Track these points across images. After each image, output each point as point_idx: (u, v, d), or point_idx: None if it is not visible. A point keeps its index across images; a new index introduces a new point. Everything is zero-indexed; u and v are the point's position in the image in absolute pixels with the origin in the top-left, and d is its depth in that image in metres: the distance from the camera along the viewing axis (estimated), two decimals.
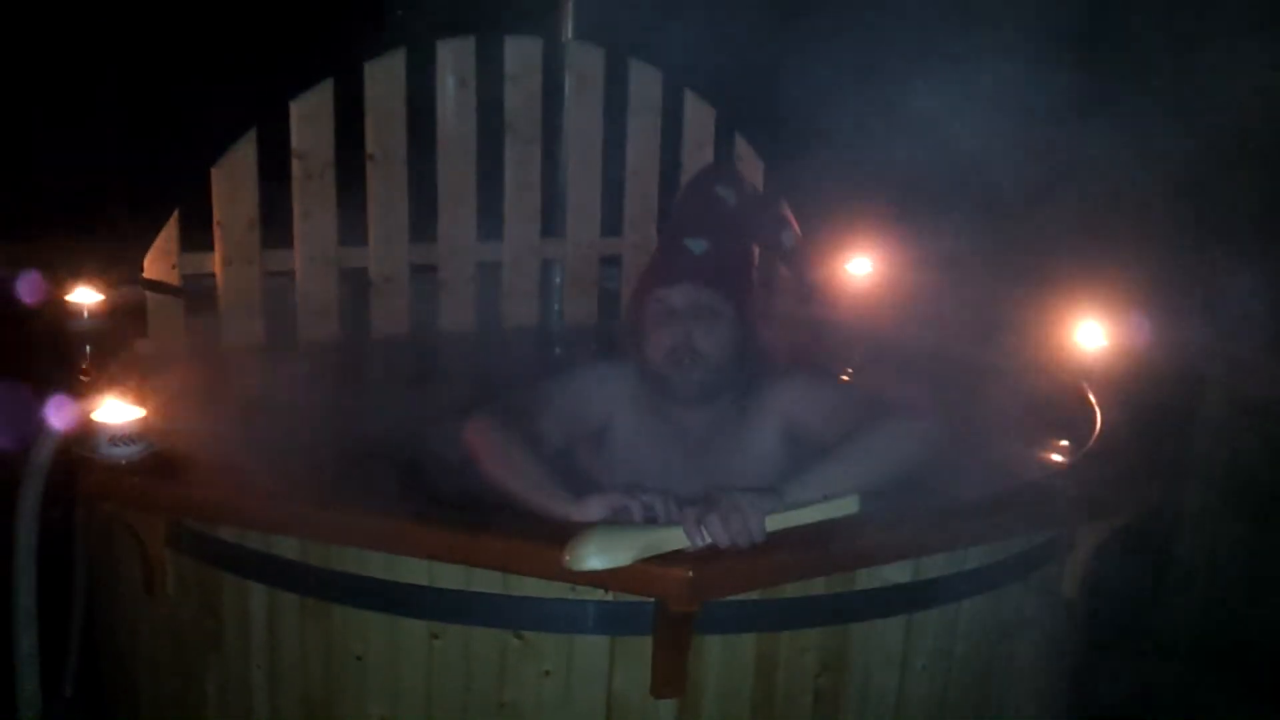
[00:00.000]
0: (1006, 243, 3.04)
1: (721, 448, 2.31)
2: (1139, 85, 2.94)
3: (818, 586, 1.86)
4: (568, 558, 1.71)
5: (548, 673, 1.84)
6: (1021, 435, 2.48)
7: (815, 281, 2.75)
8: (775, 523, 1.78)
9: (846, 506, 1.83)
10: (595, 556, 1.71)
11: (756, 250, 2.64)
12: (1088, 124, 3.18)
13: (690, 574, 1.70)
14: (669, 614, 1.74)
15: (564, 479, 1.99)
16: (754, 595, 1.83)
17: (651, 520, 1.82)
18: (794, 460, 2.20)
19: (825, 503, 1.84)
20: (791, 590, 1.84)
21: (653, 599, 1.77)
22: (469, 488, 2.06)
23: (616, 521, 1.81)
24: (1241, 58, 3.12)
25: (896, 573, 1.91)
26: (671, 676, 1.81)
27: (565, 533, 1.73)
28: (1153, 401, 2.47)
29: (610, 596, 1.80)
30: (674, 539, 1.74)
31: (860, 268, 3.46)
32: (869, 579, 1.89)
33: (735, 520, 1.73)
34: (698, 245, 2.25)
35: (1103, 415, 2.42)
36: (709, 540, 1.74)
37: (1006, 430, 2.49)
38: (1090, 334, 2.72)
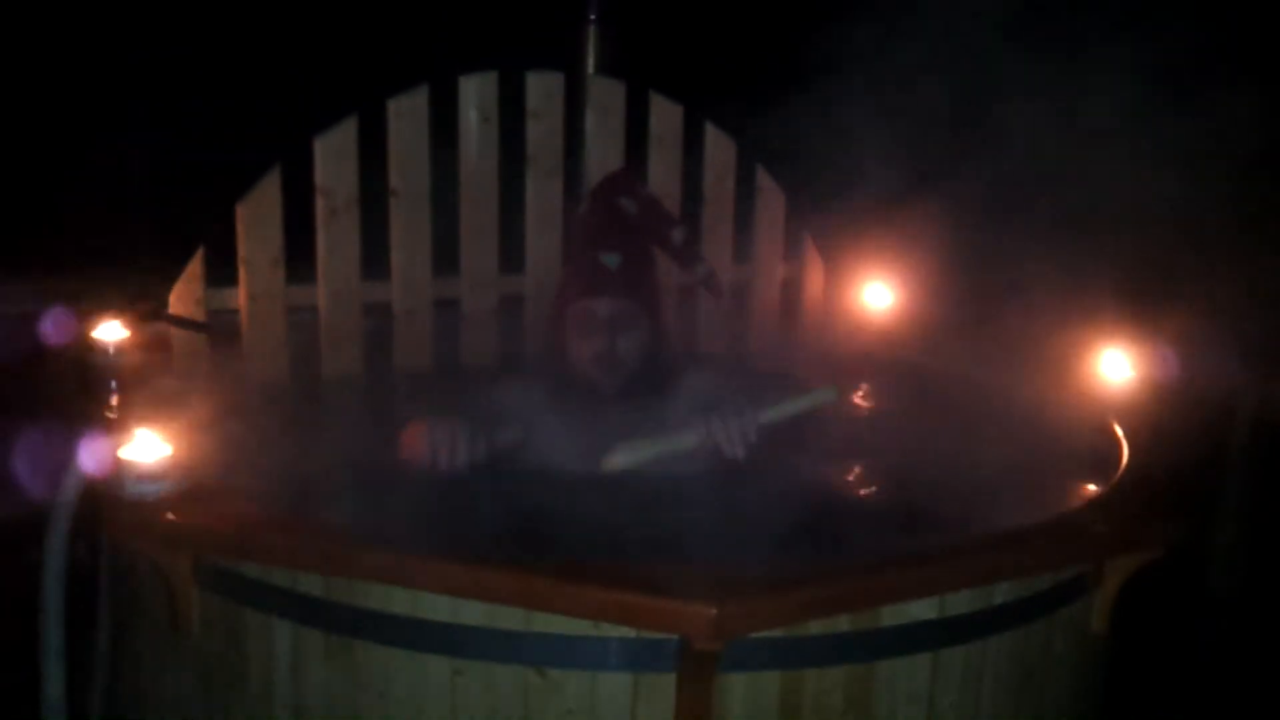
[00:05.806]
0: (1032, 272, 3.02)
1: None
2: (1174, 106, 2.91)
3: (842, 624, 1.85)
4: (603, 462, 2.10)
5: (570, 711, 1.83)
6: (1048, 469, 2.46)
7: (710, 270, 2.89)
8: (769, 416, 2.14)
9: (825, 395, 2.16)
10: (622, 454, 2.10)
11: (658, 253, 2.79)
12: (1112, 150, 3.15)
13: (714, 611, 1.69)
14: (693, 652, 1.73)
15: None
16: (778, 633, 1.81)
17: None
18: None
19: (806, 396, 2.17)
20: (816, 627, 1.83)
21: (676, 636, 1.76)
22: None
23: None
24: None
25: (922, 609, 1.89)
26: (695, 715, 1.79)
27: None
28: (1181, 434, 2.45)
29: (634, 634, 1.79)
30: (687, 440, 2.14)
31: (880, 297, 3.46)
32: (894, 616, 1.87)
33: (733, 421, 2.11)
34: (612, 259, 2.48)
35: (1131, 448, 2.40)
36: (715, 439, 2.11)
37: (1033, 464, 2.47)
38: (1117, 365, 2.70)
